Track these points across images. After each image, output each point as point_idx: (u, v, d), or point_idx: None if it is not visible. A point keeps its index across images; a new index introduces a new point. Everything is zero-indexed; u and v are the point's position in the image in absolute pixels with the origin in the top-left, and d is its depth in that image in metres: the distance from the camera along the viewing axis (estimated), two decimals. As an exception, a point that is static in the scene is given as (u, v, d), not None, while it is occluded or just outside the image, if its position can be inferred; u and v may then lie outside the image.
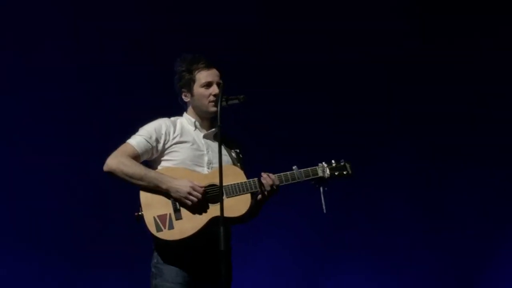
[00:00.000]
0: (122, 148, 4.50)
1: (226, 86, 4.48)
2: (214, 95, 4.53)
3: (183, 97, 4.63)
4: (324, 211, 4.55)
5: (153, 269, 4.49)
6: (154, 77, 5.75)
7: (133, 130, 4.61)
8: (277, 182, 4.51)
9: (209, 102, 4.56)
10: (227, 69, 4.83)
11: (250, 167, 4.70)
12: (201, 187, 4.41)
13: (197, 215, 4.42)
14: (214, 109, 4.50)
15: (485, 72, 7.38)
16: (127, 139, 4.55)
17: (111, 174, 4.47)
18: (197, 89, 4.57)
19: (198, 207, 4.41)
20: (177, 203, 4.42)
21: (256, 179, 4.50)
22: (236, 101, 4.40)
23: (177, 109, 4.71)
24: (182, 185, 4.40)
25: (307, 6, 7.46)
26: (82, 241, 6.74)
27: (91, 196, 6.64)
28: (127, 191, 4.54)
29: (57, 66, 7.14)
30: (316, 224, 6.99)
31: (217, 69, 4.63)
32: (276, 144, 6.92)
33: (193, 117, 4.64)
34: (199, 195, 4.37)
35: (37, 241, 6.75)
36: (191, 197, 4.37)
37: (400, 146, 7.31)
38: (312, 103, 7.27)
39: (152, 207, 4.41)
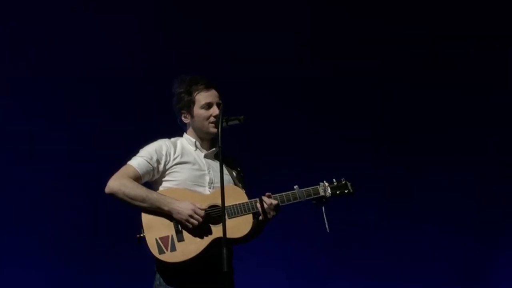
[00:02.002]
0: (123, 170, 4.50)
1: (225, 106, 4.49)
2: (215, 116, 4.54)
3: (183, 118, 4.64)
4: (328, 230, 4.54)
5: None
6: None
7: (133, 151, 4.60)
8: (277, 202, 4.50)
9: (210, 123, 4.57)
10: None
11: (250, 187, 4.71)
12: (203, 209, 4.40)
13: (199, 237, 4.40)
14: (214, 130, 4.51)
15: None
16: (128, 160, 4.55)
17: (112, 196, 4.46)
18: (197, 110, 4.58)
19: (200, 229, 4.41)
20: (179, 225, 4.40)
21: (257, 199, 4.49)
22: (236, 122, 4.40)
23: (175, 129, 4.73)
24: (183, 208, 4.39)
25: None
26: (85, 262, 6.74)
27: (93, 217, 6.66)
28: (128, 212, 4.53)
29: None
30: (317, 243, 6.96)
31: (216, 90, 4.64)
32: (278, 163, 6.93)
33: (193, 138, 4.64)
34: (200, 219, 4.38)
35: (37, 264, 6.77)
36: (192, 220, 4.37)
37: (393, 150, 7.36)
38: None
39: (154, 229, 4.40)
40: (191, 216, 4.38)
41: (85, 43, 7.22)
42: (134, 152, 4.58)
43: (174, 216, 4.40)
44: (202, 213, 4.40)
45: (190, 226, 4.37)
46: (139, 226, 4.49)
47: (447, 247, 7.35)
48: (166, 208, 4.39)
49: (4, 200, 6.91)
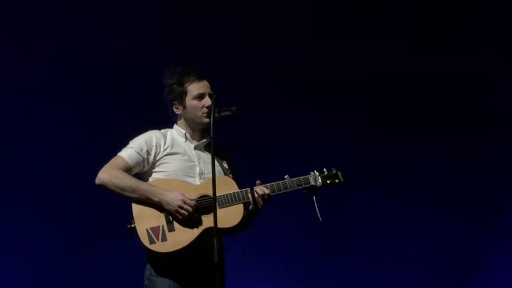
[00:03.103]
0: (113, 161, 4.52)
1: (217, 97, 4.53)
2: (207, 107, 4.56)
3: (174, 109, 4.67)
4: (320, 219, 4.55)
5: (146, 281, 4.49)
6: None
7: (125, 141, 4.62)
8: (269, 191, 4.51)
9: (202, 113, 4.59)
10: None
11: (241, 176, 4.73)
12: (193, 199, 4.42)
13: (190, 227, 4.42)
14: (207, 120, 4.52)
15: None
16: (119, 151, 4.56)
17: (103, 187, 4.47)
18: (189, 101, 4.60)
19: (191, 219, 4.42)
20: (169, 215, 4.41)
21: (248, 189, 4.51)
22: (228, 113, 4.43)
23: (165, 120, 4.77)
24: (173, 198, 4.41)
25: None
26: (75, 253, 6.78)
27: (83, 207, 6.69)
28: (119, 203, 4.53)
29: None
30: (308, 233, 7.01)
31: (208, 80, 4.67)
32: (268, 151, 6.98)
33: (183, 129, 4.67)
34: (190, 209, 4.40)
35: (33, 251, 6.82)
36: (182, 210, 4.39)
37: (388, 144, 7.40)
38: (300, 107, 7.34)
39: (145, 219, 4.41)
40: (180, 207, 4.40)
41: (85, 43, 7.21)
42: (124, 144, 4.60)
43: (164, 206, 4.41)
44: (192, 203, 4.42)
45: (180, 216, 4.39)
46: (129, 217, 4.46)
47: (436, 236, 7.34)
48: (155, 199, 4.41)
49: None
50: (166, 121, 4.99)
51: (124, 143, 4.80)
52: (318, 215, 4.57)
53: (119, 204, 4.61)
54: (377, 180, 7.30)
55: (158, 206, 4.45)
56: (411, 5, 7.75)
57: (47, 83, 7.19)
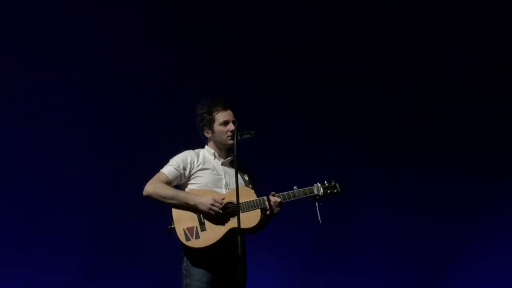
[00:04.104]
0: (157, 176, 5.10)
1: (239, 123, 5.07)
2: (231, 131, 5.09)
3: (205, 133, 5.23)
4: (320, 221, 5.07)
5: (183, 271, 5.05)
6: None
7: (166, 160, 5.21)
8: (280, 200, 5.06)
9: (227, 136, 5.13)
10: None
11: (259, 188, 5.21)
12: (222, 202, 4.95)
13: (218, 227, 4.97)
14: (231, 142, 5.01)
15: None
16: (161, 168, 5.14)
17: (149, 197, 5.05)
18: (217, 127, 5.17)
19: (219, 220, 4.96)
20: (202, 217, 4.96)
21: (264, 197, 5.05)
22: (248, 136, 4.94)
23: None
24: (205, 200, 4.97)
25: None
26: (129, 248, 7.14)
27: (135, 214, 7.01)
28: (162, 211, 5.11)
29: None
30: (312, 234, 7.38)
31: (231, 110, 5.21)
32: (279, 165, 7.28)
33: (212, 149, 5.22)
34: (220, 206, 4.93)
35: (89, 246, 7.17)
36: (214, 207, 4.94)
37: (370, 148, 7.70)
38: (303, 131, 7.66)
39: (182, 221, 4.98)
40: (212, 205, 4.94)
41: (86, 43, 7.28)
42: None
43: (199, 207, 4.95)
44: (221, 201, 4.94)
45: (212, 213, 4.92)
46: (170, 220, 5.01)
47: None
48: (192, 203, 4.97)
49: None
50: (164, 117, 5.84)
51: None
52: (319, 218, 5.09)
53: (161, 211, 5.12)
54: (369, 187, 7.60)
55: (193, 210, 4.98)
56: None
57: (47, 82, 7.27)
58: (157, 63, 7.54)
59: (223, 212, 5.00)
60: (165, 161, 5.21)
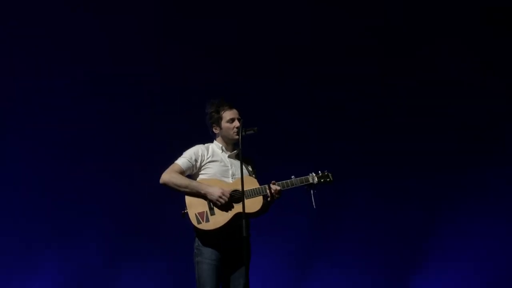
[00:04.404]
0: (172, 167, 5.48)
1: (243, 120, 5.45)
2: (237, 128, 5.47)
3: (214, 130, 5.62)
4: (314, 207, 5.40)
5: (195, 250, 5.43)
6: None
7: (180, 152, 5.58)
8: (280, 188, 5.43)
9: (233, 132, 5.52)
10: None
11: (261, 177, 5.55)
12: (229, 192, 5.34)
13: (225, 212, 5.34)
14: (237, 137, 5.42)
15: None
16: (175, 160, 5.54)
17: (164, 185, 5.42)
18: (224, 124, 5.57)
19: (226, 206, 5.34)
20: (211, 203, 5.36)
21: (266, 185, 5.41)
22: (252, 132, 5.30)
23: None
24: (215, 191, 5.35)
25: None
26: (148, 230, 7.56)
27: (153, 200, 7.26)
28: (176, 198, 5.46)
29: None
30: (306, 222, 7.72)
31: (236, 109, 5.60)
32: (279, 159, 7.47)
33: (220, 143, 5.61)
34: (226, 198, 5.33)
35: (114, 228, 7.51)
36: (221, 199, 5.33)
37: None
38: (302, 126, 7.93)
39: (194, 206, 5.36)
40: (220, 197, 5.33)
41: (85, 43, 7.30)
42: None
43: (208, 197, 5.33)
44: (228, 194, 5.32)
45: (219, 204, 5.32)
46: (183, 205, 5.38)
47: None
48: (202, 192, 5.36)
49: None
50: (164, 117, 5.90)
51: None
52: (314, 204, 5.43)
53: (176, 199, 5.43)
54: (359, 180, 7.89)
55: (203, 197, 5.35)
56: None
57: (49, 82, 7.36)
58: (157, 63, 7.69)
59: (230, 199, 5.38)
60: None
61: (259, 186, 5.46)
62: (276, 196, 5.44)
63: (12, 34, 7.29)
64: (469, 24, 8.00)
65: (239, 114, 5.64)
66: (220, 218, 5.37)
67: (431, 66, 7.96)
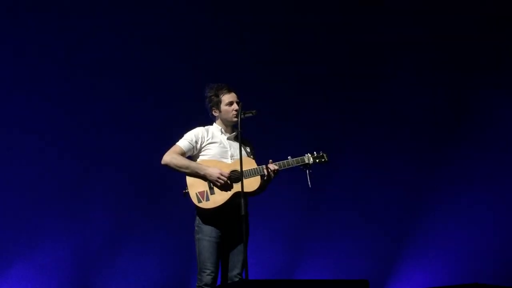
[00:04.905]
0: (173, 148, 5.64)
1: (242, 103, 5.57)
2: (236, 110, 5.62)
3: (213, 113, 5.75)
4: (309, 186, 5.56)
5: (196, 228, 5.59)
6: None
7: (182, 134, 5.73)
8: (277, 167, 5.59)
9: (232, 115, 5.66)
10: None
11: (259, 157, 5.70)
12: (227, 174, 5.48)
13: (224, 191, 5.51)
14: (236, 119, 5.58)
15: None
16: (177, 141, 5.69)
17: (166, 166, 5.57)
18: (223, 107, 5.70)
19: (225, 186, 5.51)
20: (211, 184, 5.52)
21: (263, 165, 5.56)
22: (250, 114, 5.45)
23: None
24: (214, 172, 5.51)
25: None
26: (152, 211, 7.77)
27: (156, 181, 7.51)
28: (178, 178, 5.63)
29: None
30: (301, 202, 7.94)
31: (235, 92, 5.72)
32: (276, 141, 7.74)
33: (219, 126, 5.75)
34: (225, 179, 5.48)
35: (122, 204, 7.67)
36: (220, 180, 5.50)
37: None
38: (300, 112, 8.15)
39: (194, 186, 5.53)
40: (218, 178, 5.49)
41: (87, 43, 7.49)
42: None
43: (208, 178, 5.50)
44: (226, 175, 5.48)
45: (218, 184, 5.49)
46: (184, 185, 5.55)
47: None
48: (202, 173, 5.53)
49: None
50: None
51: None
52: (309, 183, 5.60)
53: (178, 179, 5.59)
54: (350, 162, 8.15)
55: (203, 177, 5.51)
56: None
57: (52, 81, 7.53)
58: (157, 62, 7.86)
59: (229, 179, 5.54)
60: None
61: (257, 167, 5.61)
62: (273, 175, 5.58)
63: (12, 34, 7.49)
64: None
65: (238, 98, 5.76)
66: (219, 197, 5.53)
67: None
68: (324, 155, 5.74)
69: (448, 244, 8.16)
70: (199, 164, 5.63)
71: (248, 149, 5.76)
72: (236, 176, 5.50)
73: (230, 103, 5.74)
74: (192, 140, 5.69)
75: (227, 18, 7.98)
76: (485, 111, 8.27)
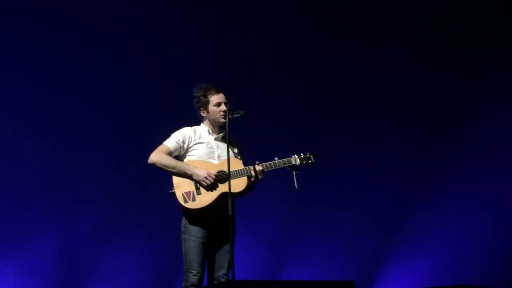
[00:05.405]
0: (160, 148, 5.63)
1: (230, 104, 5.60)
2: (223, 111, 5.63)
3: (201, 113, 5.76)
4: (296, 187, 5.56)
5: (182, 228, 5.59)
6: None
7: (168, 134, 5.72)
8: (263, 168, 5.59)
9: (220, 116, 5.67)
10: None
11: (246, 158, 5.71)
12: (214, 174, 5.50)
13: (211, 191, 5.52)
14: (223, 120, 5.59)
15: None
16: (163, 141, 5.68)
17: (153, 165, 5.56)
18: (211, 107, 5.71)
19: (212, 186, 5.51)
20: (197, 184, 5.52)
21: (251, 166, 5.57)
22: (238, 115, 5.47)
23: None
24: (200, 173, 5.52)
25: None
26: (138, 211, 7.75)
27: (142, 181, 7.51)
28: (164, 178, 5.62)
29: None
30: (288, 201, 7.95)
31: (223, 93, 5.73)
32: (263, 142, 7.75)
33: (207, 126, 5.76)
34: (212, 180, 5.49)
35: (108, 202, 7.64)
36: (206, 181, 5.50)
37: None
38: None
39: (181, 186, 5.53)
40: (205, 178, 5.50)
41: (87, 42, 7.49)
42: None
43: (194, 178, 5.50)
44: (213, 176, 5.49)
45: (205, 184, 5.49)
46: (171, 185, 5.54)
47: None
48: (188, 173, 5.53)
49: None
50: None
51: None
52: (295, 185, 5.60)
53: (164, 178, 5.58)
54: (337, 163, 8.18)
55: (190, 177, 5.51)
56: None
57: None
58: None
59: (215, 180, 5.55)
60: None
61: (244, 167, 5.62)
62: (260, 176, 5.60)
63: (12, 34, 7.46)
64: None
65: (226, 98, 5.77)
66: (205, 198, 5.54)
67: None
68: (311, 156, 5.74)
69: (435, 245, 8.20)
70: (186, 164, 5.63)
71: (236, 150, 5.76)
72: (223, 176, 5.51)
73: (218, 104, 5.75)
74: (179, 140, 5.69)
75: (213, 18, 8.08)
76: (479, 111, 8.33)
